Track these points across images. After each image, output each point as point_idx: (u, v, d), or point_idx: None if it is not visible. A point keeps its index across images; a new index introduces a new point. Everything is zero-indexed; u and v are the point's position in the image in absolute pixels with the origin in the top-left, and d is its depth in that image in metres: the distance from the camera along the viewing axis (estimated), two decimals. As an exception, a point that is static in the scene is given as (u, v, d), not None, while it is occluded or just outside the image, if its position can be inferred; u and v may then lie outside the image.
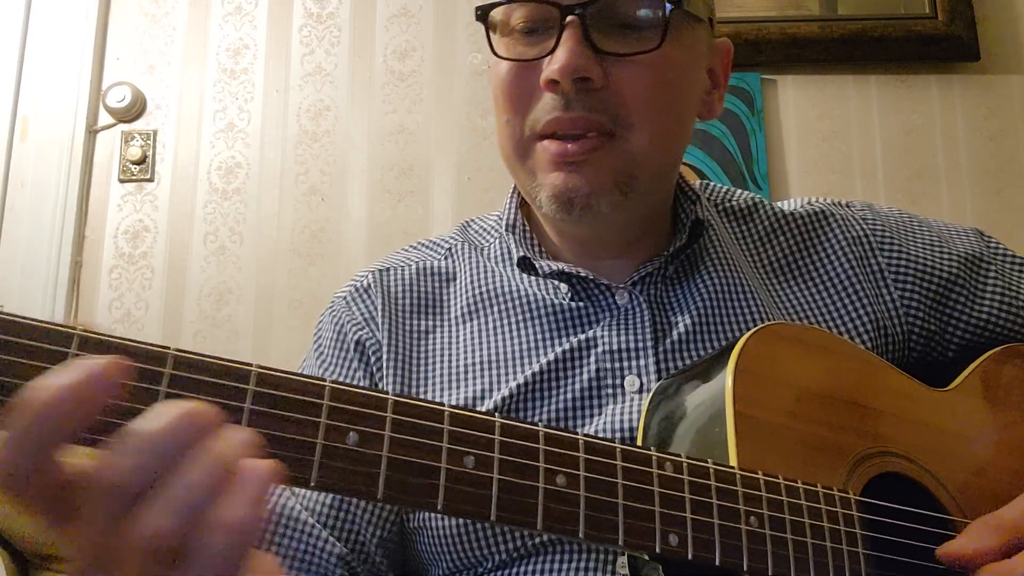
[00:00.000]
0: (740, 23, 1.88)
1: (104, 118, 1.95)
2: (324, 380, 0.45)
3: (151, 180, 1.93)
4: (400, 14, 2.00)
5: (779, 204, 0.90)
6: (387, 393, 0.47)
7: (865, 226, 0.86)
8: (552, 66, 0.70)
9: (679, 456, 0.54)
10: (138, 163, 1.92)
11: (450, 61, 1.98)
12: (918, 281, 0.83)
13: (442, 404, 0.48)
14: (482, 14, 0.75)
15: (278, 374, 0.44)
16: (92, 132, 1.94)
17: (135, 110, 1.94)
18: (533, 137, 0.73)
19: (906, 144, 1.91)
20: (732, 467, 0.56)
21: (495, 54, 0.75)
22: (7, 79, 1.93)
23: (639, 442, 0.66)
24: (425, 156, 1.93)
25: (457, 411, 0.48)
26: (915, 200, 1.86)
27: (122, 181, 1.93)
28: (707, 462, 0.55)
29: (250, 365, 0.44)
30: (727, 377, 0.61)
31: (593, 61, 0.70)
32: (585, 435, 0.51)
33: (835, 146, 1.91)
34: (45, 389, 0.38)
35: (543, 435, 0.50)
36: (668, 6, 0.71)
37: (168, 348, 0.43)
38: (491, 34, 0.75)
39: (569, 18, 0.69)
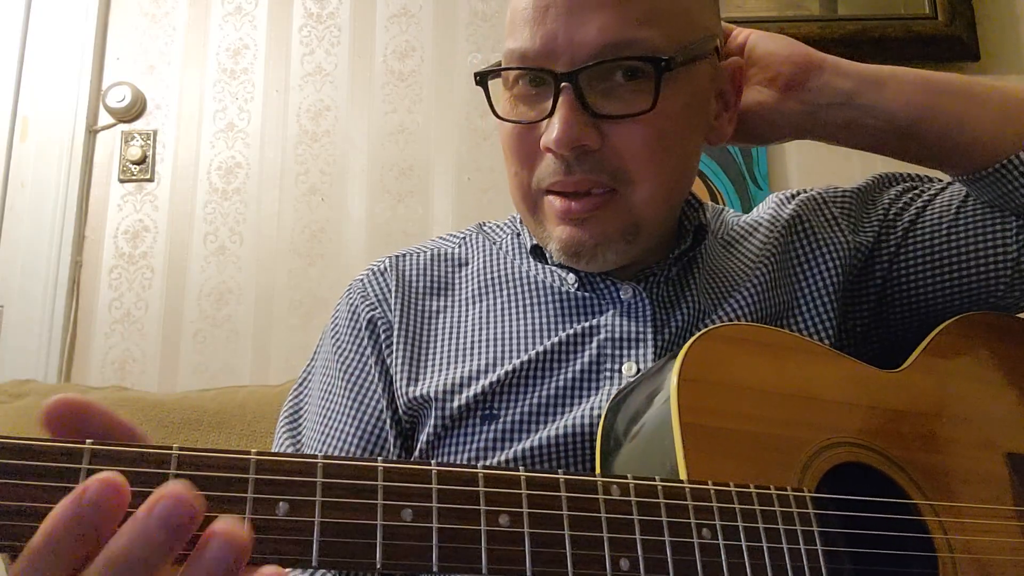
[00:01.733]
0: (740, 23, 1.87)
1: (104, 118, 1.95)
2: (249, 453, 0.44)
3: (151, 180, 1.93)
4: (400, 14, 2.00)
5: (755, 214, 0.92)
6: (316, 457, 0.46)
7: (825, 194, 0.91)
8: (549, 135, 0.71)
9: (625, 477, 0.54)
10: (138, 163, 1.92)
11: (450, 61, 1.98)
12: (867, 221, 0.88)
13: (375, 460, 0.47)
14: (481, 80, 0.77)
15: (199, 454, 0.43)
16: (92, 132, 1.94)
17: (135, 110, 1.94)
18: (539, 191, 0.76)
19: (906, 144, 1.90)
20: (680, 481, 0.56)
21: (496, 115, 0.77)
22: (7, 79, 1.93)
23: (597, 448, 0.66)
24: (425, 156, 1.93)
25: (391, 465, 0.47)
26: (915, 200, 1.86)
27: (122, 181, 1.93)
28: (655, 479, 0.54)
29: (170, 449, 0.43)
30: (671, 389, 0.61)
31: (589, 126, 0.71)
32: (526, 471, 0.51)
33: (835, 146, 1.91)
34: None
35: (482, 476, 0.49)
36: (656, 71, 0.71)
37: (83, 442, 0.41)
38: (490, 94, 0.77)
39: (563, 85, 0.71)
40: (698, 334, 0.64)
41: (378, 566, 0.45)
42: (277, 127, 1.95)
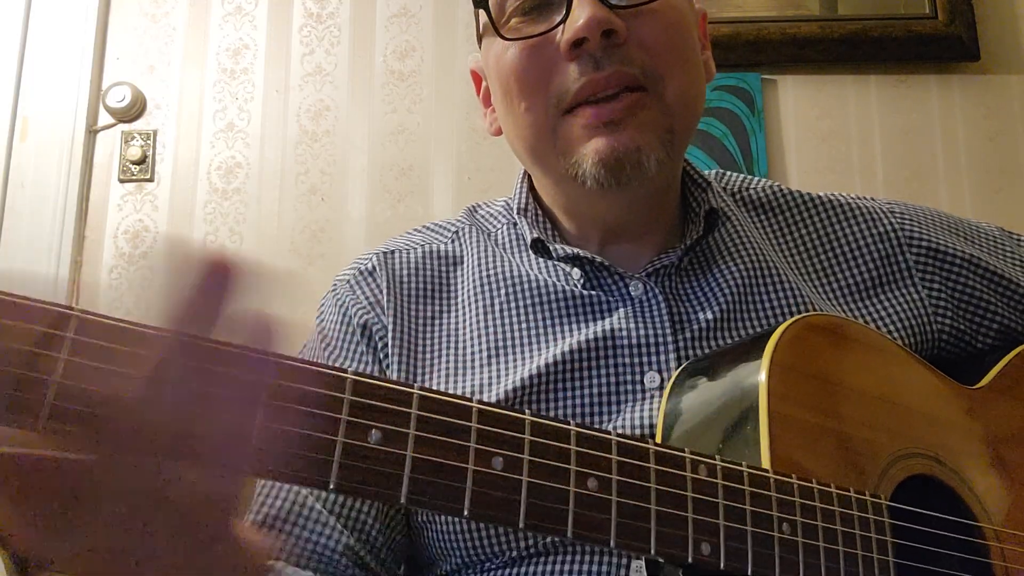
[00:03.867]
0: (740, 23, 1.88)
1: (104, 118, 1.95)
2: (346, 372, 0.42)
3: (151, 180, 1.93)
4: (400, 14, 2.00)
5: (800, 191, 0.88)
6: (412, 387, 0.44)
7: (892, 219, 0.84)
8: (576, 24, 0.68)
9: (714, 459, 0.52)
10: (138, 163, 1.92)
11: (450, 61, 1.98)
12: (946, 279, 0.82)
13: (470, 399, 0.45)
14: (482, 0, 0.73)
15: (296, 364, 0.41)
16: (92, 132, 1.94)
17: (135, 110, 1.94)
18: (559, 113, 0.71)
19: (905, 144, 1.91)
20: (766, 470, 0.54)
21: (502, 37, 0.72)
22: (7, 79, 1.93)
23: (659, 426, 0.64)
24: (425, 156, 1.93)
25: (485, 407, 0.45)
26: (914, 200, 1.85)
27: (122, 181, 1.93)
28: (741, 465, 0.53)
29: (265, 353, 0.41)
30: (762, 372, 0.58)
31: (615, 15, 0.69)
32: (618, 435, 0.49)
33: (835, 146, 1.91)
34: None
35: (575, 434, 0.47)
36: None
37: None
38: (493, 20, 0.73)
39: None
40: (791, 320, 0.62)
41: (465, 513, 0.43)
42: (277, 127, 1.95)
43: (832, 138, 1.91)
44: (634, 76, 0.69)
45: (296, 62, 1.98)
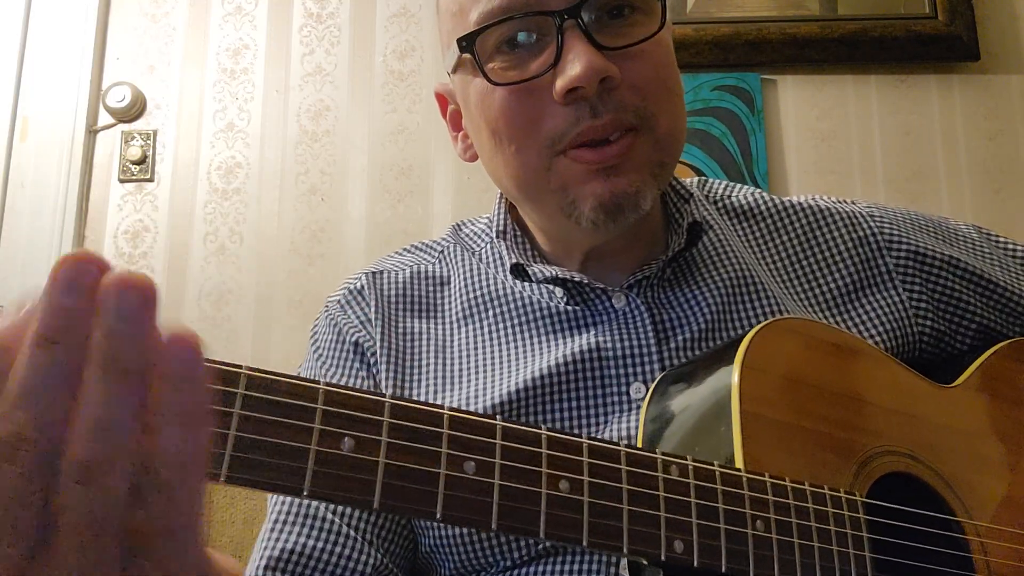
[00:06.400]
0: (740, 23, 1.88)
1: (104, 118, 1.95)
2: (318, 383, 0.43)
3: (151, 180, 1.93)
4: (400, 14, 2.00)
5: (782, 198, 0.88)
6: (384, 396, 0.45)
7: (872, 222, 0.84)
8: (571, 73, 0.66)
9: (685, 459, 0.53)
10: (138, 163, 1.92)
11: (450, 61, 1.98)
12: (926, 281, 0.82)
13: (441, 407, 0.46)
14: (468, 44, 0.70)
15: (268, 376, 0.43)
16: (92, 132, 1.94)
17: (135, 110, 1.94)
18: (553, 154, 0.70)
19: (905, 144, 1.91)
20: (738, 469, 0.55)
21: (491, 81, 0.70)
22: (7, 79, 1.93)
23: (639, 433, 0.65)
24: (425, 156, 1.93)
25: (457, 414, 0.46)
26: (914, 200, 1.86)
27: (122, 181, 1.93)
28: (713, 465, 0.53)
29: (239, 367, 0.42)
30: (734, 374, 0.59)
31: (608, 59, 0.67)
32: (589, 438, 0.50)
33: (835, 146, 1.91)
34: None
35: (545, 438, 0.48)
36: None
37: None
38: (480, 63, 0.70)
39: (567, 22, 0.67)
40: (762, 324, 0.63)
41: (438, 516, 0.44)
42: (277, 127, 1.95)
43: (832, 138, 1.91)
44: (629, 121, 0.69)
45: (296, 62, 1.98)
